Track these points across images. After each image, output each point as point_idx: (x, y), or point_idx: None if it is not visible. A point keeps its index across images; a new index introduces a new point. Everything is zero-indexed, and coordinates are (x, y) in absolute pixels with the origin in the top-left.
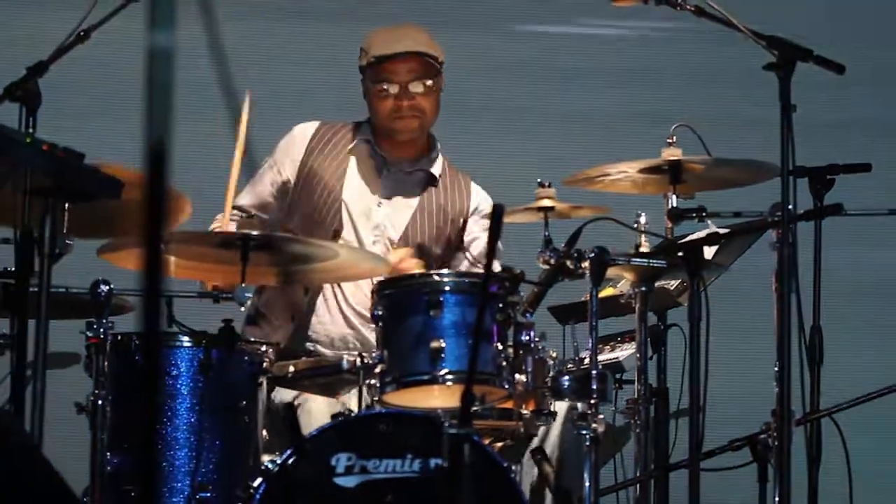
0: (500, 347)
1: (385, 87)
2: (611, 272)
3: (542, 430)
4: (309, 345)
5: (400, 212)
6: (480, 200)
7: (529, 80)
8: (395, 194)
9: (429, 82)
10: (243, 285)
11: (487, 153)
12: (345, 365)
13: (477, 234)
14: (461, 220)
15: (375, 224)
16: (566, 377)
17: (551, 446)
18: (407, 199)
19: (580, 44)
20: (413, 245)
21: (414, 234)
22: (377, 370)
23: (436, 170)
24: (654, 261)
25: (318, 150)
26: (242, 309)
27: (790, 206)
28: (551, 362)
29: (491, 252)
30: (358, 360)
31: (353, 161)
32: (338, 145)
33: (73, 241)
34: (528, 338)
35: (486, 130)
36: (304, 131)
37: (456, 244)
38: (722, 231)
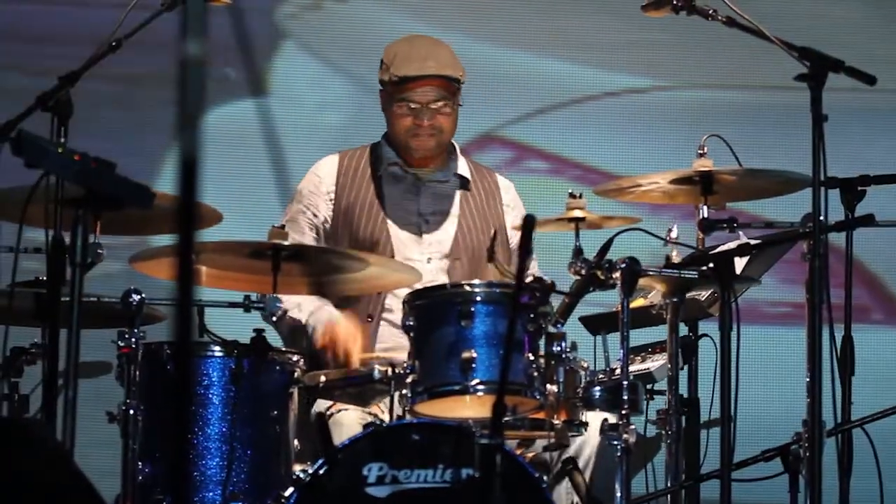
0: (532, 358)
1: (405, 105)
2: (642, 283)
3: (577, 440)
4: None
5: (445, 225)
6: (507, 188)
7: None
8: (436, 208)
9: (450, 103)
10: (274, 295)
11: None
12: (376, 375)
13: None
14: (500, 217)
15: (428, 242)
16: (597, 388)
17: (583, 457)
18: (448, 211)
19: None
20: (466, 254)
21: (464, 243)
22: (409, 380)
23: (464, 171)
24: (686, 271)
25: (349, 183)
26: (274, 318)
27: (821, 217)
28: (582, 373)
29: (522, 263)
30: (389, 370)
31: (387, 186)
32: (365, 173)
33: (105, 250)
34: (559, 348)
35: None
36: (327, 168)
37: (505, 246)
38: (753, 242)
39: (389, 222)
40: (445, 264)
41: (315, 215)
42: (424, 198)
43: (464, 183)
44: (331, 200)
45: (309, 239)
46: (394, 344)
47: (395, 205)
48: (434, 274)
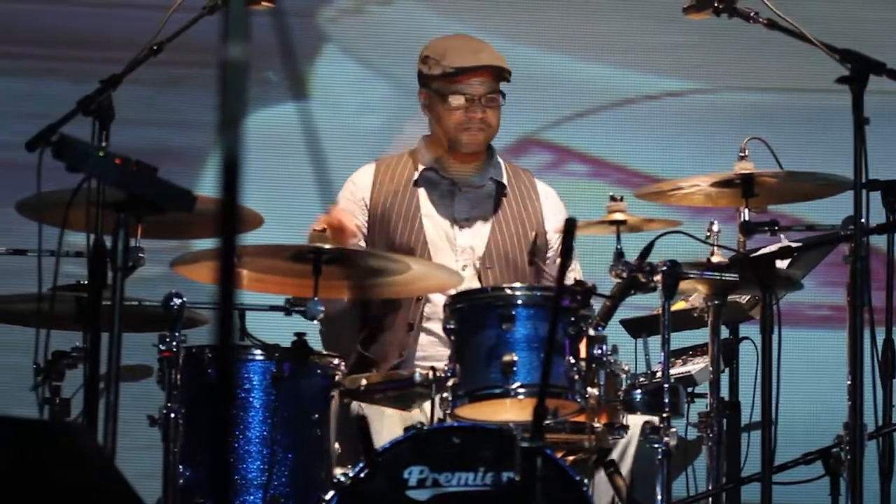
0: (573, 361)
1: (458, 98)
2: (683, 285)
3: (619, 443)
4: None
5: (480, 230)
6: (548, 196)
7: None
8: (472, 214)
9: (498, 97)
10: (315, 299)
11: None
12: (417, 378)
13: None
14: (538, 223)
15: (462, 249)
16: (638, 391)
17: (624, 460)
18: (484, 216)
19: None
20: (499, 261)
21: (497, 250)
22: (449, 384)
23: (502, 177)
24: (727, 275)
25: (385, 190)
26: (315, 322)
27: (863, 220)
28: (623, 376)
29: (563, 266)
30: (430, 373)
31: (422, 192)
32: (402, 179)
33: (146, 254)
34: (600, 351)
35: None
36: (363, 177)
37: (544, 250)
38: (794, 245)
39: (426, 229)
40: (476, 273)
41: (358, 216)
42: (459, 203)
43: (500, 187)
44: (366, 207)
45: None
46: (433, 352)
47: (430, 211)
48: (469, 281)
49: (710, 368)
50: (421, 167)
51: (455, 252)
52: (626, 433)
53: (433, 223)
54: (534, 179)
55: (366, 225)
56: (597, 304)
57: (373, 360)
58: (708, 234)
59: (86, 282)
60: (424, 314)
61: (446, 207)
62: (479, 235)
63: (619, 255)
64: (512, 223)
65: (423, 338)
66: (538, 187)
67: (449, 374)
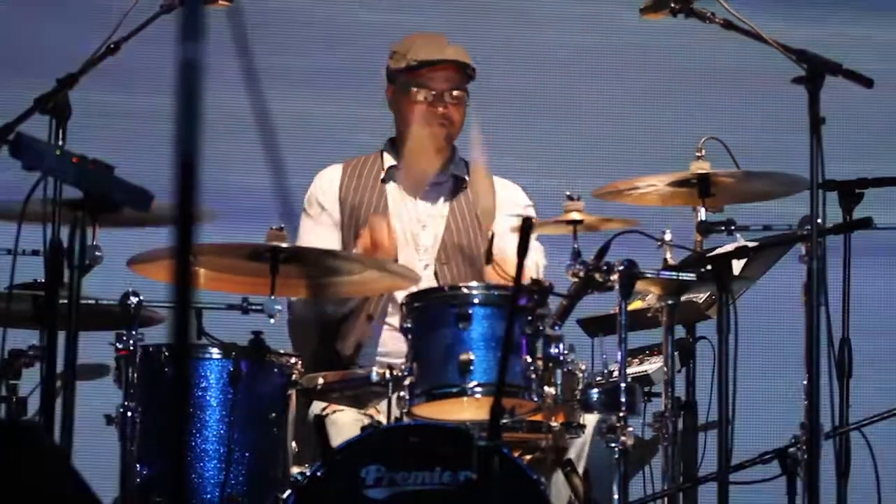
0: (530, 360)
1: (421, 92)
2: (639, 285)
3: (576, 442)
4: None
5: (435, 228)
6: (505, 185)
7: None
8: (431, 212)
9: (462, 94)
10: (272, 297)
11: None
12: (374, 377)
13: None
14: (492, 215)
15: (424, 248)
16: (595, 390)
17: (581, 459)
18: (441, 211)
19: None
20: (454, 257)
21: (453, 244)
22: (406, 382)
23: (465, 174)
24: (684, 274)
25: (353, 192)
26: (272, 321)
27: (819, 220)
28: (580, 375)
29: (520, 265)
30: (387, 372)
31: (389, 191)
32: (369, 179)
33: (103, 252)
34: (557, 350)
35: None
36: (331, 176)
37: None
38: (751, 244)
39: (396, 228)
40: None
41: (326, 222)
42: (422, 201)
43: (458, 183)
44: (336, 209)
45: (336, 236)
46: (394, 348)
47: (397, 210)
48: (430, 280)
49: (666, 368)
50: (387, 166)
51: (418, 251)
52: (583, 432)
53: (399, 222)
54: (492, 176)
55: (338, 224)
56: (554, 304)
57: (334, 353)
58: (659, 242)
59: (42, 281)
60: (389, 310)
61: (411, 206)
62: (434, 233)
63: (577, 254)
64: (468, 216)
65: (385, 333)
66: (496, 181)
67: (406, 373)
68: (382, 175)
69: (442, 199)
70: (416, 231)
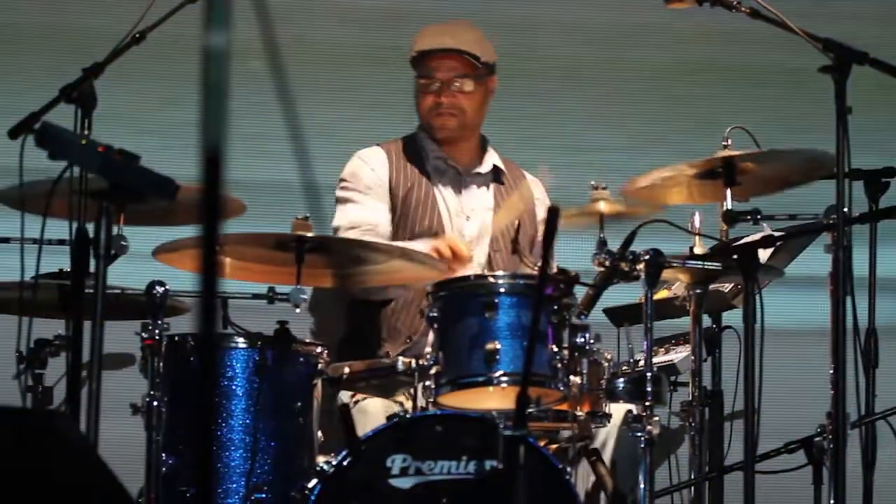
0: (556, 349)
1: (427, 81)
2: (665, 274)
3: (601, 432)
4: None
5: (482, 219)
6: (536, 184)
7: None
8: (476, 203)
9: (470, 82)
10: (298, 287)
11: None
12: (400, 366)
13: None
14: (530, 210)
15: (470, 238)
16: (621, 379)
17: (607, 449)
18: (484, 204)
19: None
20: (507, 245)
21: (500, 237)
22: (432, 372)
23: (499, 164)
24: (709, 263)
25: (401, 177)
26: (297, 310)
27: (845, 210)
28: (606, 364)
29: (546, 254)
30: (413, 361)
31: (435, 180)
32: (412, 166)
33: (129, 242)
34: (583, 340)
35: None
36: (378, 158)
37: (532, 235)
38: (777, 234)
39: (443, 220)
40: (485, 257)
41: (378, 199)
42: (467, 193)
43: (497, 175)
44: (388, 195)
45: (385, 211)
46: None
47: (446, 199)
48: (480, 268)
49: (692, 357)
50: (431, 153)
51: (465, 240)
52: (609, 422)
53: (448, 213)
54: (521, 170)
55: (388, 206)
56: (580, 293)
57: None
58: (689, 226)
59: (68, 270)
60: None
61: (456, 199)
62: (481, 224)
63: (602, 243)
64: None
65: None
66: (528, 178)
67: (432, 362)
68: (427, 165)
69: (484, 189)
70: (462, 223)
